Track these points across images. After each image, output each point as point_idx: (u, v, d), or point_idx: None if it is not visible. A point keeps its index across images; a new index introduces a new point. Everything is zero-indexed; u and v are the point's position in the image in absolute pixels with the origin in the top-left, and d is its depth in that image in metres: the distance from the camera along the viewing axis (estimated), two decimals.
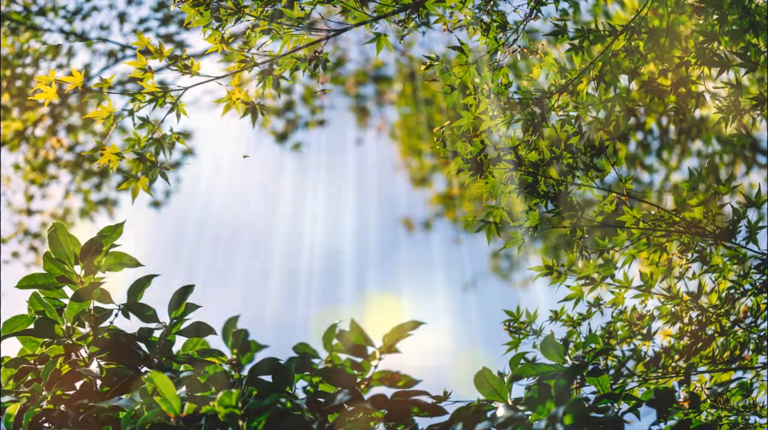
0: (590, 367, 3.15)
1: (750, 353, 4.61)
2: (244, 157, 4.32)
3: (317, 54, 4.44)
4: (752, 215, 4.41)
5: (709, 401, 4.46)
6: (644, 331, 4.65)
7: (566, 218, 4.37)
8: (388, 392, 2.97)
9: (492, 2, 4.42)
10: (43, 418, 3.06)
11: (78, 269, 3.33)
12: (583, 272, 4.52)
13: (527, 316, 4.60)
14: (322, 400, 2.96)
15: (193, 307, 3.28)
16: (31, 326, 3.29)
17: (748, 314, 4.57)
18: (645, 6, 4.30)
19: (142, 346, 3.25)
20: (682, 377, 4.60)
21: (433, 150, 4.40)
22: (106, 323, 3.32)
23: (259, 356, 2.90)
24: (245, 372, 2.87)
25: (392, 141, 11.84)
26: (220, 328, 2.86)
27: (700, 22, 4.34)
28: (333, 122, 11.04)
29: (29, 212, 10.30)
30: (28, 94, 9.44)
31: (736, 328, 4.60)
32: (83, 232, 10.15)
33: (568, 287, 4.56)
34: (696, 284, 4.62)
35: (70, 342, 3.27)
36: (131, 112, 4.38)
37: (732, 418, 4.48)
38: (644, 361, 4.65)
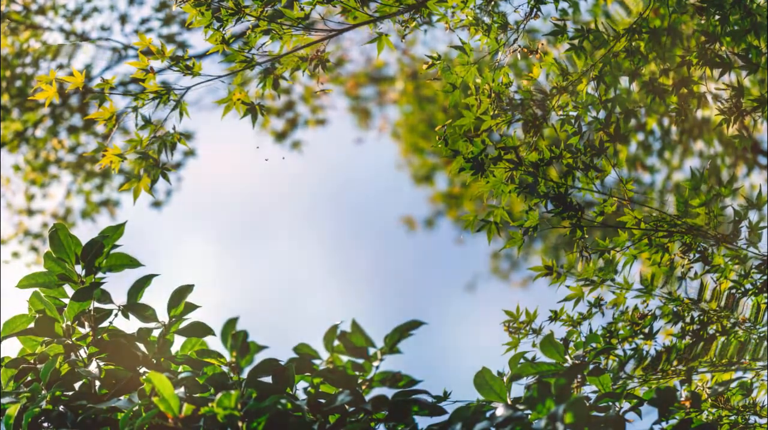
0: (591, 366, 3.15)
1: (753, 347, 4.61)
2: (265, 160, 4.34)
3: (318, 54, 4.44)
4: (753, 216, 4.41)
5: (709, 400, 4.47)
6: (646, 330, 4.65)
7: (566, 218, 4.37)
8: (389, 392, 2.97)
9: (493, 2, 4.42)
10: (43, 418, 3.06)
11: (79, 269, 3.33)
12: (583, 274, 4.52)
13: (527, 315, 4.60)
14: (322, 401, 2.96)
15: (192, 306, 3.28)
16: (32, 325, 3.29)
17: (749, 317, 4.58)
18: (643, 2, 4.30)
19: (141, 346, 3.25)
20: (684, 377, 4.60)
21: (434, 149, 4.41)
22: (105, 324, 3.32)
23: (259, 357, 2.90)
24: (245, 374, 2.87)
25: (394, 140, 11.84)
26: (220, 329, 2.86)
27: (702, 22, 4.34)
28: (333, 122, 11.05)
29: (30, 212, 10.30)
30: (28, 95, 9.44)
31: (737, 328, 4.60)
32: (84, 232, 10.16)
33: (568, 287, 4.56)
34: (697, 284, 4.62)
35: (70, 342, 3.27)
36: (135, 109, 4.38)
37: (732, 418, 4.48)
38: (645, 362, 4.65)
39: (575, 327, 4.63)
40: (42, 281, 3.33)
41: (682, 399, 3.46)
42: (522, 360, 3.12)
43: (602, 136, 4.38)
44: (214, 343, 3.29)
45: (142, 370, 3.20)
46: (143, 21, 9.74)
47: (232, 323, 2.83)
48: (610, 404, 3.05)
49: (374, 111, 11.87)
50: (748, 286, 4.56)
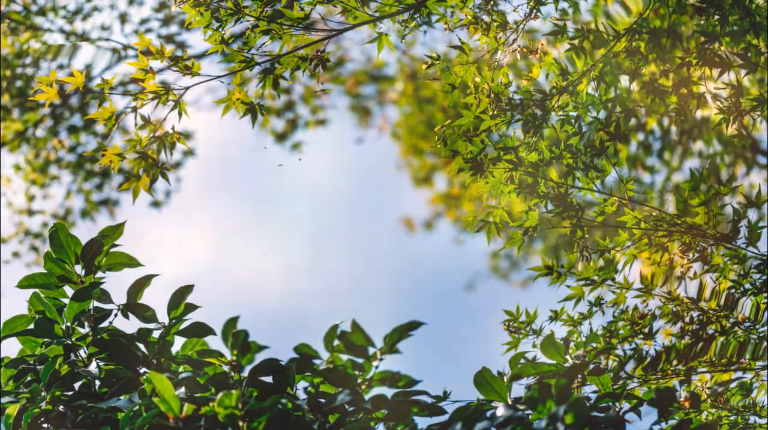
0: (591, 366, 3.15)
1: (752, 348, 4.61)
2: (279, 165, 4.38)
3: (318, 53, 4.44)
4: (752, 215, 4.41)
5: (709, 400, 4.47)
6: (645, 330, 4.65)
7: (566, 218, 4.37)
8: (389, 392, 2.97)
9: (492, 2, 4.42)
10: (42, 418, 3.06)
11: (78, 269, 3.33)
12: (583, 274, 4.52)
13: (527, 316, 4.60)
14: (323, 400, 2.96)
15: (193, 307, 3.28)
16: (31, 326, 3.30)
17: (749, 317, 4.58)
18: (643, 3, 4.30)
19: (141, 347, 3.25)
20: (683, 377, 4.60)
21: (433, 149, 4.41)
22: (105, 323, 3.32)
23: (260, 357, 2.90)
24: (245, 373, 2.87)
25: (394, 140, 11.84)
26: (220, 328, 2.86)
27: (701, 22, 4.35)
28: (334, 122, 11.05)
29: (30, 212, 10.30)
30: (28, 95, 9.44)
31: (737, 328, 4.60)
32: (84, 232, 10.16)
33: (568, 287, 4.56)
34: (697, 284, 4.63)
35: (70, 342, 3.27)
36: (134, 109, 4.38)
37: (732, 418, 4.49)
38: (645, 362, 4.65)
39: (575, 327, 4.63)
40: (42, 281, 3.33)
41: (682, 399, 3.47)
42: (522, 360, 3.12)
43: (602, 136, 4.38)
44: (215, 343, 3.29)
45: (142, 370, 3.21)
46: (143, 21, 9.74)
47: (232, 322, 2.83)
48: (610, 404, 3.05)
49: (374, 110, 11.87)
50: (748, 286, 4.56)
